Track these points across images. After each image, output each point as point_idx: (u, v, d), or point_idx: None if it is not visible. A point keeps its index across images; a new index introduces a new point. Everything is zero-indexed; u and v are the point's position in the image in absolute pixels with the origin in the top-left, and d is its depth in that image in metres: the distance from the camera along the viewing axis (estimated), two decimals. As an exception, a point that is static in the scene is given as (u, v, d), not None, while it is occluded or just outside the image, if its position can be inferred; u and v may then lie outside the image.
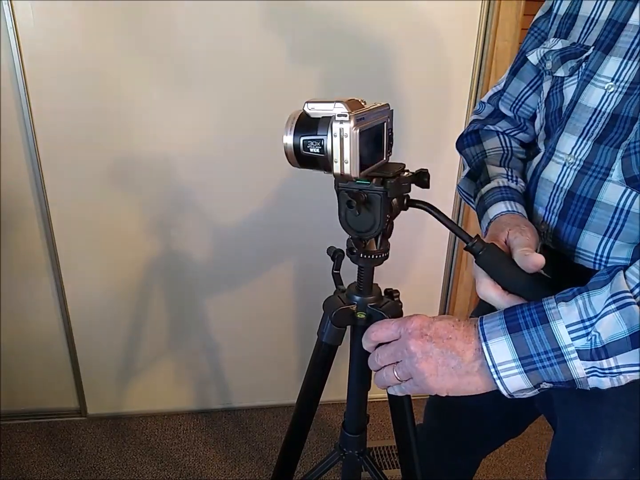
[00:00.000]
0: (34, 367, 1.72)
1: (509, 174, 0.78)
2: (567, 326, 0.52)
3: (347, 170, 0.58)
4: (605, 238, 0.65)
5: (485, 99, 0.89)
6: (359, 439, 0.86)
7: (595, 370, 0.51)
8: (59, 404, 1.79)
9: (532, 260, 0.58)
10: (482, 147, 0.86)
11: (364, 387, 0.81)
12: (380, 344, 0.62)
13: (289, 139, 0.60)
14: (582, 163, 0.66)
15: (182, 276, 1.64)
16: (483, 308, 0.95)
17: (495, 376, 0.54)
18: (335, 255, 0.75)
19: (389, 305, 0.73)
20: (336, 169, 0.58)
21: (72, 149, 1.44)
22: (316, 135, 0.58)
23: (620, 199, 0.63)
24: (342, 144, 0.56)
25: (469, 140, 0.89)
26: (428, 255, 1.74)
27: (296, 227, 1.62)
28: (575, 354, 0.51)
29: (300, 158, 0.60)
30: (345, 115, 0.56)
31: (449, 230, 1.60)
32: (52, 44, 1.33)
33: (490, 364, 0.54)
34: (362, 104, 0.60)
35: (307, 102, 0.60)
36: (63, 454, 1.67)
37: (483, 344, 0.54)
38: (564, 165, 0.69)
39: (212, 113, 1.44)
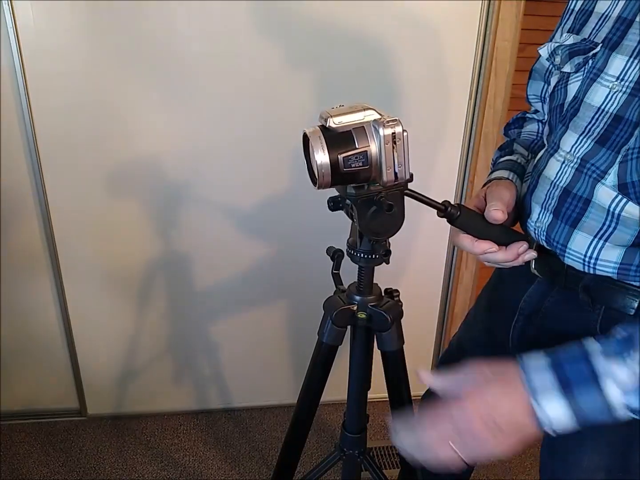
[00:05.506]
0: (34, 367, 1.72)
1: (529, 158, 0.83)
2: (617, 386, 0.52)
3: (401, 174, 0.55)
4: (596, 240, 0.65)
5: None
6: (359, 439, 0.86)
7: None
8: (59, 404, 1.79)
9: (492, 215, 0.68)
10: (521, 130, 0.90)
11: (364, 387, 0.81)
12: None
13: (324, 160, 0.54)
14: (579, 161, 0.66)
15: (182, 276, 1.64)
16: (481, 304, 0.96)
17: (550, 430, 0.54)
18: (335, 255, 0.75)
19: (390, 305, 0.73)
20: (387, 176, 0.55)
21: (73, 148, 1.44)
22: (356, 149, 0.54)
23: (611, 203, 0.63)
24: (395, 149, 0.54)
25: (514, 125, 0.93)
26: (428, 255, 1.74)
27: (296, 227, 1.62)
28: (626, 410, 0.53)
29: (338, 176, 0.55)
30: (383, 120, 0.53)
31: (448, 231, 1.60)
32: (52, 44, 1.33)
33: (547, 422, 0.54)
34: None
35: (330, 117, 0.55)
36: (63, 454, 1.67)
37: (535, 405, 0.53)
38: (563, 162, 0.68)
39: (211, 114, 1.44)
